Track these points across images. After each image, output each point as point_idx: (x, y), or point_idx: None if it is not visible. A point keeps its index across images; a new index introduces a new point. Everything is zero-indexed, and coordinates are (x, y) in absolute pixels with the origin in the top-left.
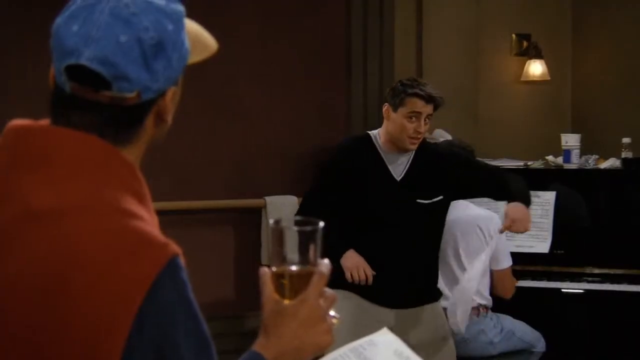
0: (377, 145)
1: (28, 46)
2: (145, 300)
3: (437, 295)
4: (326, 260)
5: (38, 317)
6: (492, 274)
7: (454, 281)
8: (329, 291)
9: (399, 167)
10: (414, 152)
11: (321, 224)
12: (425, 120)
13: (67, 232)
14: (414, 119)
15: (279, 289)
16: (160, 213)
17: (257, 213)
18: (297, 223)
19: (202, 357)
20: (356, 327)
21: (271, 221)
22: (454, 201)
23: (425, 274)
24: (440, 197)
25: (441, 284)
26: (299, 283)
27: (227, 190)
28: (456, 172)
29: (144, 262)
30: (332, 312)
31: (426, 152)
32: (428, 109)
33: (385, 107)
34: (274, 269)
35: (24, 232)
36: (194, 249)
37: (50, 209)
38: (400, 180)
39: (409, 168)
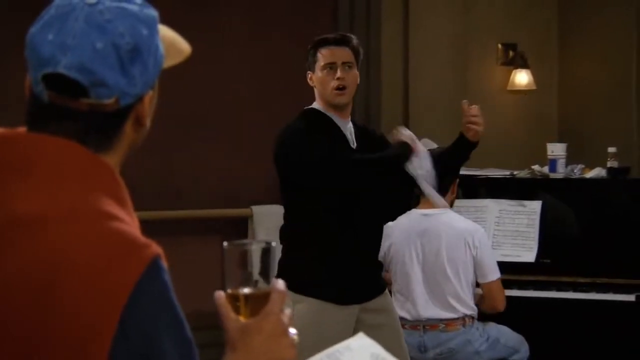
0: (326, 114)
1: None
2: (128, 304)
3: (385, 283)
4: (280, 280)
5: (28, 324)
6: (481, 287)
7: (440, 295)
8: (286, 310)
9: (349, 134)
10: (350, 122)
11: (273, 243)
12: (345, 67)
13: (52, 238)
14: (331, 69)
15: (236, 310)
16: (146, 223)
17: (243, 223)
18: (251, 243)
19: None
20: (320, 334)
21: (225, 243)
22: (439, 213)
23: (377, 259)
24: None
25: (429, 297)
26: (256, 303)
27: (214, 200)
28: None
29: (126, 265)
30: (291, 330)
31: (359, 124)
32: (341, 53)
33: (309, 75)
34: (229, 290)
35: (10, 239)
36: (181, 258)
37: (36, 215)
38: (356, 147)
39: (355, 135)
